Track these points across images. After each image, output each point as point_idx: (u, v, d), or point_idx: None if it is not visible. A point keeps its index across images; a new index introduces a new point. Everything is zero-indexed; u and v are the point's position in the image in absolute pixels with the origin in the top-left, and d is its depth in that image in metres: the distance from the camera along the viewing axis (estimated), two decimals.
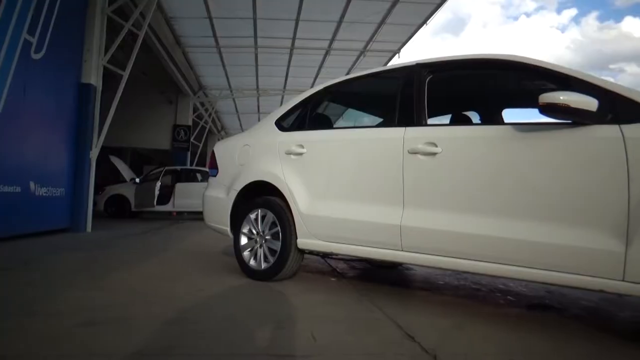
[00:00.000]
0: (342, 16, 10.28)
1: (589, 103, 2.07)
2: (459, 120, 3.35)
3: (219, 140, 14.17)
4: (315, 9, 9.98)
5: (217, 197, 3.86)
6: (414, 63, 2.98)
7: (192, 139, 16.92)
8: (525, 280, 2.33)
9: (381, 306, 2.68)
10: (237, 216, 3.62)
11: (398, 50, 12.41)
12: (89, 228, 7.60)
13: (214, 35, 11.47)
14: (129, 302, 2.69)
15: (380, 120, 4.02)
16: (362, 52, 12.49)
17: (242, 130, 19.72)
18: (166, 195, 11.89)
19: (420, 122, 2.77)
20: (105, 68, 7.92)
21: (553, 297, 3.20)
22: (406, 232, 2.65)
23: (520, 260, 2.25)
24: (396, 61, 12.39)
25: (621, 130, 2.04)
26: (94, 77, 7.64)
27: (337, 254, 3.37)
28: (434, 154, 2.60)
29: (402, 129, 2.79)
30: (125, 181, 12.38)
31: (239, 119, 21.97)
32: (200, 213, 4.33)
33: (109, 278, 3.45)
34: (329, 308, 2.67)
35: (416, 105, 2.81)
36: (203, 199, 4.10)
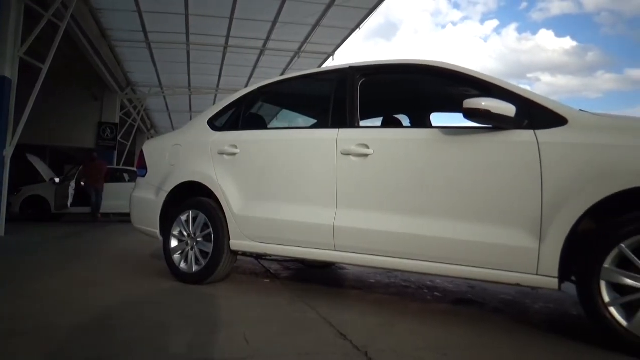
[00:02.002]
0: (277, 16, 10.24)
1: (508, 109, 2.22)
2: (390, 122, 3.45)
3: (148, 139, 13.58)
4: (250, 8, 9.87)
5: (145, 198, 3.72)
6: (348, 66, 3.03)
7: (119, 138, 16.14)
8: (451, 276, 2.45)
9: (314, 306, 2.71)
10: (167, 218, 3.51)
11: (332, 53, 12.55)
12: (2, 232, 7.03)
13: (144, 30, 11.01)
14: (51, 310, 2.52)
15: (314, 121, 4.05)
16: (297, 53, 12.51)
17: (173, 129, 19.10)
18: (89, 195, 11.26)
19: (353, 124, 2.83)
20: (22, 60, 7.36)
21: (476, 292, 3.38)
22: (339, 232, 2.69)
23: (446, 258, 2.36)
24: (330, 63, 12.55)
25: (536, 135, 2.21)
26: (8, 70, 7.08)
27: (271, 255, 3.36)
28: (366, 155, 2.66)
29: (336, 130, 2.84)
30: (44, 181, 11.58)
31: (170, 118, 21.25)
32: (128, 215, 4.15)
33: (28, 285, 3.21)
34: (263, 310, 2.65)
35: (349, 107, 2.87)
36: (131, 200, 3.93)
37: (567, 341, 2.20)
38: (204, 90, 15.87)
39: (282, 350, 1.95)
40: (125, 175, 12.47)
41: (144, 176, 3.85)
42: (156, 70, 13.99)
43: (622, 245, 1.94)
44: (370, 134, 2.77)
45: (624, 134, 2.09)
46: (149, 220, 3.65)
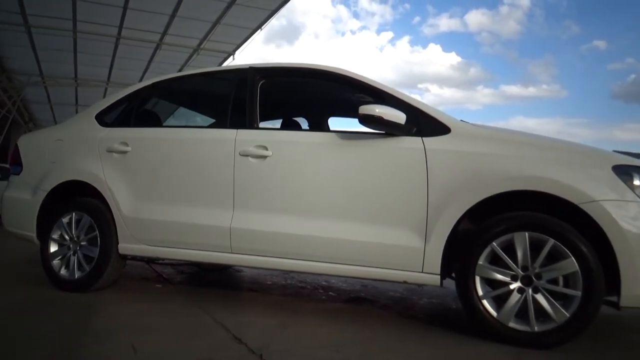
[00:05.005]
0: (176, 10, 9.87)
1: (399, 117, 2.36)
2: (289, 125, 3.49)
3: (25, 132, 12.35)
4: None
5: (20, 198, 3.36)
6: (248, 66, 3.01)
7: None
8: (345, 276, 2.54)
9: (209, 310, 2.64)
10: (46, 220, 3.20)
11: (233, 52, 12.39)
12: None
13: (22, 12, 9.95)
14: None
15: (212, 120, 3.96)
16: (196, 50, 12.15)
17: (56, 123, 17.51)
18: None
19: (252, 125, 2.82)
20: None
21: (367, 290, 3.53)
22: (236, 234, 2.66)
23: (340, 259, 2.45)
24: (231, 63, 12.37)
25: (423, 142, 2.37)
26: None
27: (163, 259, 3.22)
28: (265, 157, 2.66)
29: (234, 130, 2.80)
30: None
31: (52, 111, 19.46)
32: None
33: None
34: (153, 316, 2.53)
35: (248, 108, 2.85)
36: (2, 200, 3.53)
37: (447, 332, 2.40)
38: (92, 83, 14.76)
39: (174, 358, 1.88)
40: None
41: (18, 174, 3.48)
42: (37, 58, 12.71)
43: (494, 243, 2.17)
44: (269, 135, 2.78)
45: (498, 143, 2.33)
46: (23, 222, 3.31)
